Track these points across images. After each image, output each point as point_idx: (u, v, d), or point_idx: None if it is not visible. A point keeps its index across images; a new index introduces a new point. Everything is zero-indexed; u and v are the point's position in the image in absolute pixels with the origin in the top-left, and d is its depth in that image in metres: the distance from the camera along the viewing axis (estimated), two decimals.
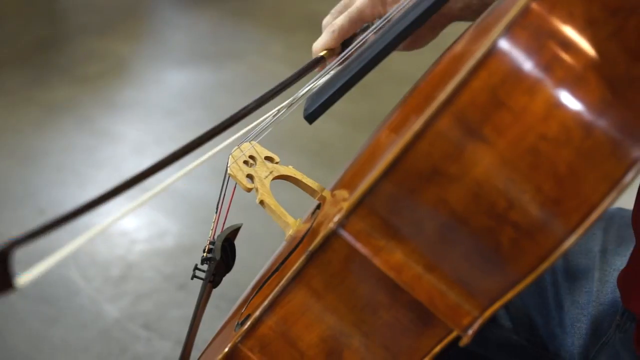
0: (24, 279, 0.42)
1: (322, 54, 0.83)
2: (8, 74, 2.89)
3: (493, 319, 0.72)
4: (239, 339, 0.60)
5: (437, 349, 0.55)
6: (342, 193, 0.58)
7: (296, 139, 2.43)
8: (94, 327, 1.84)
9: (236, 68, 3.01)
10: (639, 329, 0.74)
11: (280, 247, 0.77)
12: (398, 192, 0.51)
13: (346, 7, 0.86)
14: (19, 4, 3.52)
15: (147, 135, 2.57)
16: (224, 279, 0.78)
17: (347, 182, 0.62)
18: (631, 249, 0.78)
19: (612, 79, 0.48)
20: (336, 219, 0.53)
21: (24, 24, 3.29)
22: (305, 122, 0.71)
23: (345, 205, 0.53)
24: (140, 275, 2.00)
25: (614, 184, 0.48)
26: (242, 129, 0.71)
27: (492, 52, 0.48)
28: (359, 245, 0.53)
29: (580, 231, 0.49)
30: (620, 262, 0.81)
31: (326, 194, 0.69)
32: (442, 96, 0.49)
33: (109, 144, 2.53)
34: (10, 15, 3.37)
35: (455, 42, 0.68)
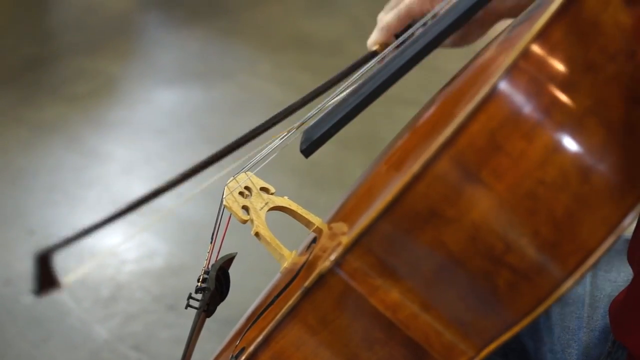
0: (68, 278, 0.49)
1: (374, 48, 0.87)
2: None
3: None
4: None
5: None
6: (340, 226, 0.58)
7: (284, 158, 2.42)
8: (84, 348, 1.83)
9: (225, 87, 3.02)
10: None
11: (275, 279, 0.77)
12: (395, 232, 0.51)
13: (397, 3, 0.89)
14: (7, 22, 3.52)
15: (136, 154, 2.57)
16: None
17: (344, 215, 0.62)
18: (621, 275, 0.78)
19: (611, 123, 0.49)
20: (332, 257, 0.53)
21: (12, 43, 3.28)
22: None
23: (342, 244, 0.52)
24: (129, 296, 1.99)
25: (612, 228, 0.48)
26: (242, 156, 0.71)
27: (492, 95, 0.48)
28: (355, 284, 0.53)
29: (577, 275, 0.49)
30: (610, 287, 0.81)
31: (322, 226, 0.69)
32: (441, 139, 0.48)
33: (98, 164, 2.52)
34: None
35: (457, 74, 0.68)
